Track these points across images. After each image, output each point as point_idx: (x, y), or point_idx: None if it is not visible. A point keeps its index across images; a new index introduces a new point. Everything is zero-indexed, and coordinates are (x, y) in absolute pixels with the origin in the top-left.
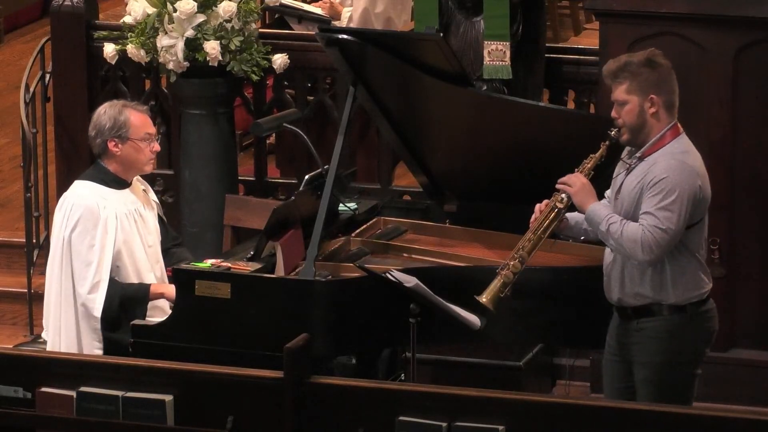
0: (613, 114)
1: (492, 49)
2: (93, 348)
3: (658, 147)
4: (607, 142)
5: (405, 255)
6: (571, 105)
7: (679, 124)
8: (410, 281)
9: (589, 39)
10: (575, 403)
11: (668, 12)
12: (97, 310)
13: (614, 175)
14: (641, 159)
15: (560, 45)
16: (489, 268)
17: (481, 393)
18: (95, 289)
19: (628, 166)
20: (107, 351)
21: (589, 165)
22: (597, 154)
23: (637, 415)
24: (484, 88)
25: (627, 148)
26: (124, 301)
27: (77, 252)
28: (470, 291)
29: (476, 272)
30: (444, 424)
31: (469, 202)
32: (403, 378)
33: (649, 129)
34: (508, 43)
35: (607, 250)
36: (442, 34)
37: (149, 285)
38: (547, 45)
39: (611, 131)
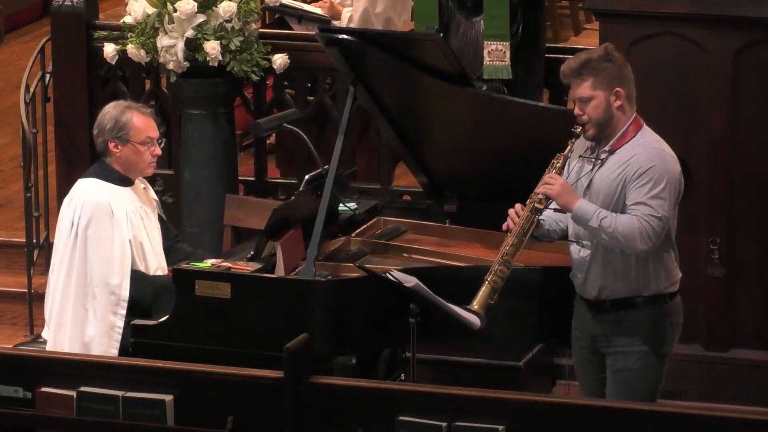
0: (577, 111)
1: (492, 49)
2: (114, 344)
3: (626, 139)
4: (573, 140)
5: (405, 255)
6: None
7: (639, 116)
8: (410, 281)
9: (589, 39)
10: (575, 403)
11: (668, 12)
12: (123, 307)
13: (576, 173)
14: (611, 153)
15: (560, 45)
16: (489, 268)
17: (481, 393)
18: (122, 284)
19: (593, 161)
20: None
21: (558, 164)
22: (565, 152)
23: (636, 415)
24: (484, 88)
25: (585, 145)
26: (157, 293)
27: (95, 248)
28: (470, 291)
29: (476, 272)
30: (444, 424)
31: (469, 202)
32: (403, 378)
33: (615, 122)
34: (508, 43)
35: (575, 249)
36: (442, 34)
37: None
38: (547, 45)
39: (575, 128)
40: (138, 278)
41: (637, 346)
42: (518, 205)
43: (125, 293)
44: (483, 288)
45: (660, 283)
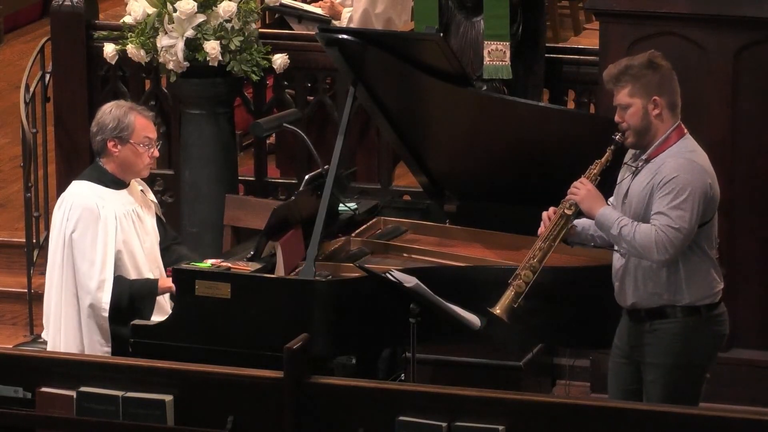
0: (617, 118)
1: (492, 49)
2: (99, 348)
3: (664, 148)
4: (612, 147)
5: (405, 255)
6: (571, 105)
7: (683, 125)
8: (410, 281)
9: (589, 39)
10: (575, 403)
11: (668, 12)
12: (105, 310)
13: (618, 181)
14: (647, 161)
15: (560, 45)
16: (489, 268)
17: (481, 393)
18: (101, 287)
19: (633, 169)
20: (114, 348)
21: (595, 170)
22: (603, 159)
23: (637, 415)
24: (484, 88)
25: (631, 152)
26: (134, 297)
27: (80, 251)
28: (470, 291)
29: (476, 272)
30: (444, 424)
31: (469, 202)
32: (403, 378)
33: (654, 131)
34: (508, 43)
35: (616, 256)
36: (442, 34)
37: (157, 280)
38: (547, 45)
39: (615, 135)
40: (116, 282)
41: (669, 357)
42: (552, 209)
43: (106, 297)
44: (507, 292)
45: (694, 293)
